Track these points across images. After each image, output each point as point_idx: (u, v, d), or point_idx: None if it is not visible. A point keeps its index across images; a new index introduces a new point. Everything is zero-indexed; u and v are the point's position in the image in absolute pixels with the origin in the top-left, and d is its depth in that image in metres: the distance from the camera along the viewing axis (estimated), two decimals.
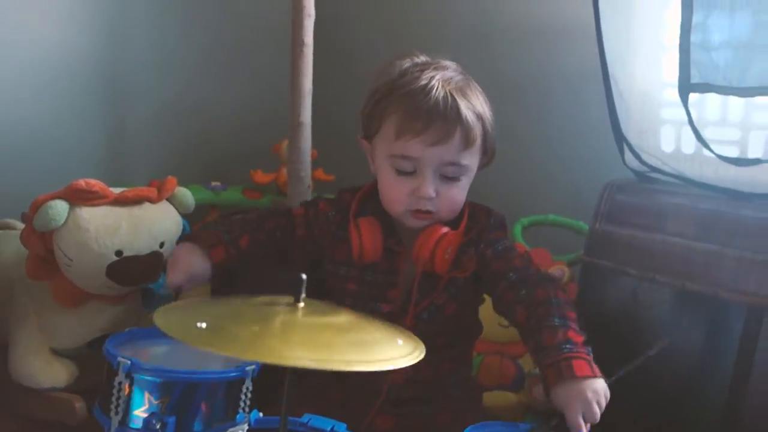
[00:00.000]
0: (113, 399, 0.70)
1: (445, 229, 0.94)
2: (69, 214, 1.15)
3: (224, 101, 1.91)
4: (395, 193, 0.93)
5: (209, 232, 0.97)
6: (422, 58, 0.96)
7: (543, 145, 1.65)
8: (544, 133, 1.65)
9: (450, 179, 0.92)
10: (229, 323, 0.53)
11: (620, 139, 1.17)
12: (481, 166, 1.00)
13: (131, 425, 0.70)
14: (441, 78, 0.91)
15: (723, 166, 1.06)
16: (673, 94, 1.08)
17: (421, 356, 0.57)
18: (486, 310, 1.07)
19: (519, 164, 1.67)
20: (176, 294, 0.95)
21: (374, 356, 0.52)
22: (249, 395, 0.74)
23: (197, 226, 1.58)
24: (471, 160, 0.94)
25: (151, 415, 0.69)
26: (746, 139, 1.07)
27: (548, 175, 1.64)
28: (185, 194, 1.32)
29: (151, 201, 1.24)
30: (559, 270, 1.45)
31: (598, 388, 0.77)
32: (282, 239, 1.00)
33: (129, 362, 0.69)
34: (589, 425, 0.76)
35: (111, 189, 1.20)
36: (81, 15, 1.61)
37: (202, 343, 0.45)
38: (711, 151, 1.07)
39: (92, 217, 1.16)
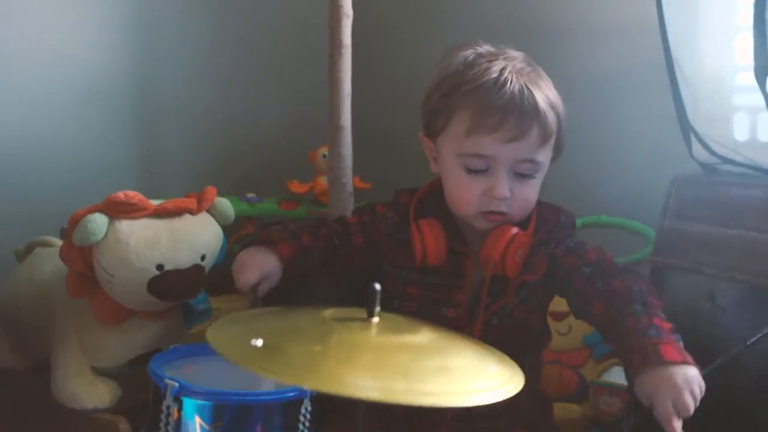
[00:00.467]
0: (161, 425, 0.65)
1: (515, 230, 0.88)
2: (108, 228, 1.11)
3: (257, 112, 1.89)
4: (466, 194, 0.88)
5: (269, 231, 0.93)
6: (486, 48, 0.90)
7: (594, 144, 1.57)
8: (594, 131, 1.57)
9: (524, 177, 0.87)
10: (287, 341, 0.46)
11: (687, 128, 1.09)
12: (551, 160, 0.94)
13: None
14: (512, 69, 0.85)
15: None
16: (747, 78, 1.00)
17: (520, 386, 0.49)
18: None
19: (570, 164, 1.60)
20: (254, 296, 0.88)
21: (460, 387, 0.44)
22: (308, 416, 0.68)
23: (233, 239, 1.54)
24: (545, 156, 0.88)
25: None
26: None
27: (600, 174, 1.56)
28: (225, 204, 1.27)
29: (191, 212, 1.20)
30: None
31: (691, 376, 0.69)
32: (340, 247, 0.95)
33: (177, 384, 0.64)
34: (681, 419, 0.67)
35: (150, 201, 1.16)
36: (113, 36, 1.61)
37: (255, 367, 0.39)
38: None
39: (132, 230, 1.12)
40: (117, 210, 1.12)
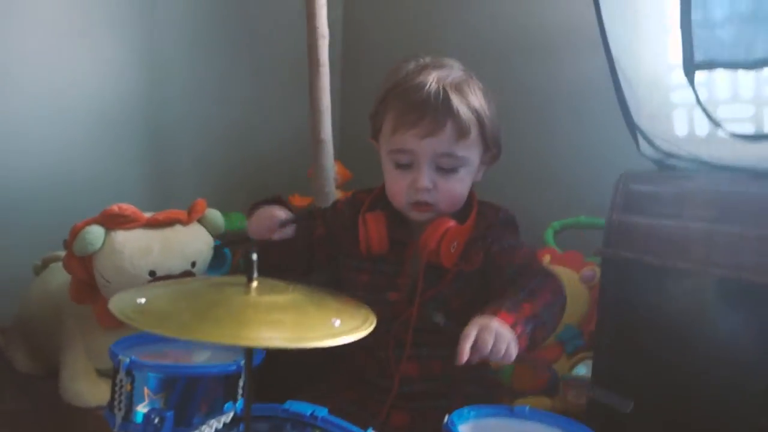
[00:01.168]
0: (116, 396, 0.74)
1: (451, 223, 0.95)
2: (105, 238, 1.23)
3: (260, 134, 2.00)
4: (396, 187, 0.97)
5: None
6: (427, 59, 0.98)
7: (566, 149, 1.63)
8: (567, 137, 1.63)
9: (447, 171, 0.95)
10: (170, 301, 0.55)
11: (633, 127, 1.15)
12: (488, 162, 1.01)
13: (134, 421, 0.74)
14: (437, 75, 0.94)
15: (739, 144, 1.02)
16: (681, 76, 1.06)
17: (362, 333, 0.57)
18: None
19: (545, 170, 1.66)
20: (292, 220, 0.98)
21: (289, 335, 0.53)
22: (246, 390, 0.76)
23: (238, 256, 1.64)
24: (468, 152, 0.95)
25: (151, 410, 0.72)
26: (761, 114, 1.03)
27: (576, 177, 1.61)
28: (215, 216, 1.39)
29: (182, 223, 1.31)
30: (590, 271, 1.42)
31: (507, 335, 0.77)
32: (303, 238, 1.03)
33: (128, 360, 0.74)
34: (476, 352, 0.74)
35: (144, 213, 1.28)
36: (123, 66, 1.76)
37: (129, 319, 0.48)
38: (724, 130, 1.03)
39: (126, 240, 1.24)
40: (112, 221, 1.24)
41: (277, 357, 1.38)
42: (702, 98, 1.06)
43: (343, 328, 0.55)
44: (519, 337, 0.78)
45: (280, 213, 0.98)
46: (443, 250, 0.93)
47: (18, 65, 1.61)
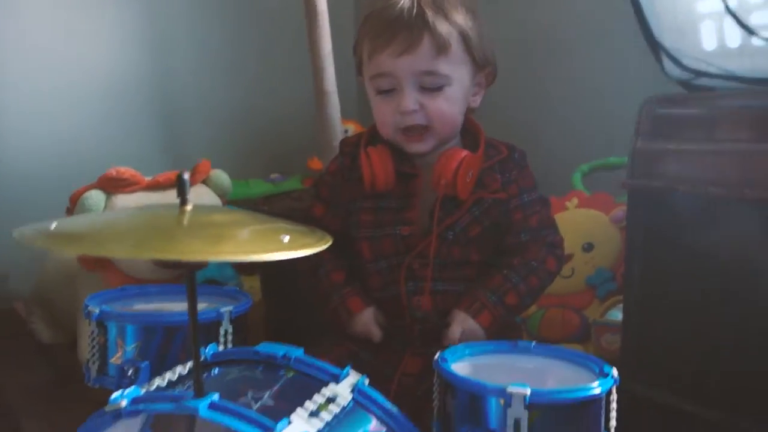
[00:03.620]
0: (91, 349, 0.71)
1: (464, 152, 0.90)
2: (106, 203, 1.20)
3: (276, 97, 1.95)
4: (382, 116, 0.90)
5: (333, 306, 0.96)
6: None
7: (591, 87, 1.53)
8: (590, 73, 1.53)
9: (432, 91, 0.88)
10: (89, 226, 0.50)
11: (655, 46, 1.04)
12: (484, 83, 0.94)
13: (109, 373, 0.70)
14: None
15: None
16: None
17: (314, 250, 0.51)
18: None
19: (570, 111, 1.57)
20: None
21: (229, 248, 0.47)
22: (230, 338, 0.72)
23: None
24: (452, 69, 0.88)
25: (125, 362, 0.68)
26: None
27: (603, 116, 1.51)
28: (220, 176, 1.34)
29: None
30: (621, 212, 1.33)
31: (481, 335, 0.87)
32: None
33: (98, 310, 0.70)
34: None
35: (143, 176, 1.25)
36: (129, 38, 1.75)
37: (56, 245, 0.43)
38: (760, 38, 0.92)
39: (127, 203, 1.21)
40: (112, 185, 1.21)
41: (284, 314, 1.36)
42: (731, 5, 0.95)
43: (292, 244, 0.48)
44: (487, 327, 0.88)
45: (376, 332, 0.92)
46: (459, 180, 0.88)
47: (26, 41, 1.61)
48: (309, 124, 1.90)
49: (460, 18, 0.87)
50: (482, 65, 0.91)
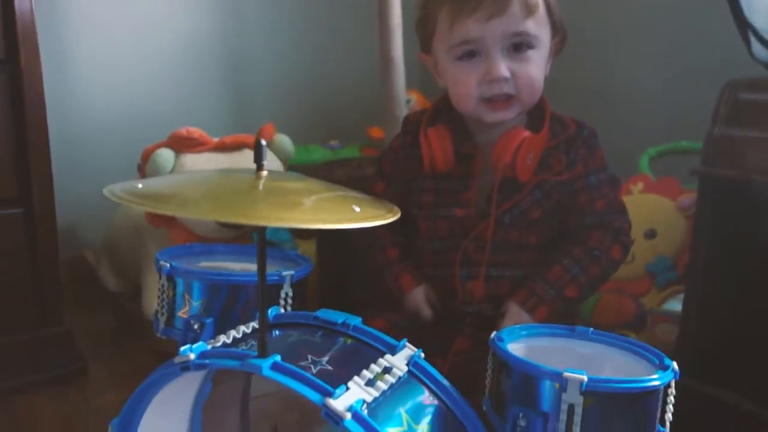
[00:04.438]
0: (160, 302, 0.74)
1: (526, 133, 0.87)
2: (175, 162, 1.24)
3: (338, 65, 1.96)
4: (464, 86, 0.86)
5: (387, 279, 0.97)
6: None
7: (665, 64, 1.47)
8: (666, 49, 1.46)
9: (520, 53, 0.85)
10: (174, 187, 0.52)
11: (744, 25, 0.98)
12: (556, 50, 0.91)
13: (176, 326, 0.73)
14: None
15: None
16: None
17: (385, 221, 0.51)
18: None
19: (645, 91, 1.51)
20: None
21: (308, 216, 0.48)
22: (290, 301, 0.74)
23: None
24: (539, 30, 0.85)
25: (191, 316, 0.71)
26: None
27: (677, 97, 1.45)
28: (284, 141, 1.36)
29: (250, 147, 1.30)
30: (689, 198, 1.29)
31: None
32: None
33: (168, 265, 0.73)
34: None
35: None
36: (206, 4, 1.78)
37: (144, 204, 0.45)
38: None
39: (195, 163, 1.24)
40: (181, 144, 1.24)
41: (338, 281, 1.38)
42: None
43: (363, 214, 0.49)
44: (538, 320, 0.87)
45: (426, 311, 0.93)
46: (519, 162, 0.85)
47: (100, 8, 1.65)
48: (370, 94, 1.90)
49: None
50: (558, 30, 0.88)
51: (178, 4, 1.75)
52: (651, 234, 1.29)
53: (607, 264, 0.91)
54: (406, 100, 1.68)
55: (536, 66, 0.85)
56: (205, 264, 0.79)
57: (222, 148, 1.27)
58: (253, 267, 0.77)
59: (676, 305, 1.19)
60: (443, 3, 0.86)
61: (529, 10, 0.83)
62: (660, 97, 1.48)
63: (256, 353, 0.55)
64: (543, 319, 0.86)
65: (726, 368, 0.96)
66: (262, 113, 1.91)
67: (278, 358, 0.54)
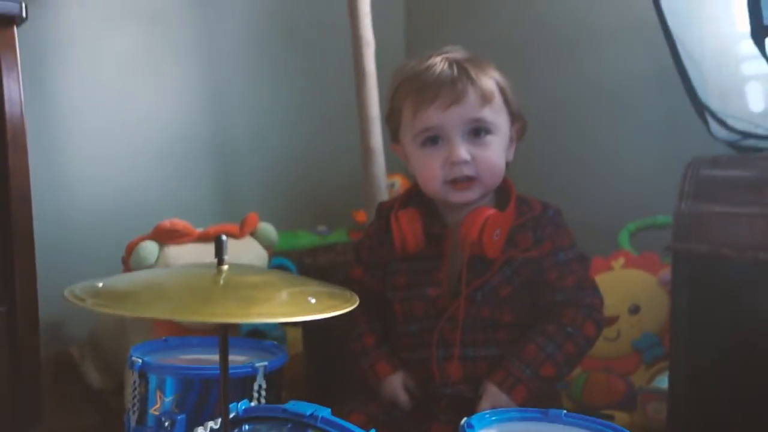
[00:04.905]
0: (132, 398, 0.73)
1: (491, 210, 0.90)
2: (159, 254, 1.25)
3: (323, 152, 2.00)
4: (429, 170, 0.91)
5: (362, 373, 0.97)
6: (427, 52, 0.95)
7: (637, 145, 1.52)
8: (636, 132, 1.52)
9: (480, 138, 0.90)
10: (132, 285, 0.53)
11: (701, 108, 1.03)
12: (516, 137, 0.96)
13: (148, 423, 0.72)
14: (445, 56, 0.92)
15: None
16: (750, 44, 0.94)
17: (339, 312, 0.52)
18: None
19: (616, 169, 1.55)
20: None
21: (257, 310, 0.49)
22: (263, 393, 0.73)
23: None
24: (496, 117, 0.90)
25: (162, 413, 0.70)
26: None
27: (650, 174, 1.49)
28: (268, 229, 1.38)
29: (234, 237, 1.32)
30: (668, 273, 1.29)
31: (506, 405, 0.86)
32: (374, 301, 0.97)
33: (140, 361, 0.72)
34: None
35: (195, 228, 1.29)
36: (187, 95, 1.83)
37: (102, 306, 0.46)
38: None
39: (179, 254, 1.26)
40: (165, 237, 1.26)
41: (324, 367, 1.36)
42: None
43: (319, 305, 0.50)
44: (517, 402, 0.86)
45: (403, 398, 0.92)
46: (486, 239, 0.88)
47: (89, 102, 1.70)
48: (356, 179, 1.94)
49: (496, 74, 0.92)
50: (516, 118, 0.93)
51: (166, 94, 1.80)
52: (635, 309, 1.30)
53: (581, 341, 0.91)
54: (390, 184, 1.72)
55: (495, 150, 0.90)
56: (183, 357, 0.79)
57: (206, 238, 1.28)
58: (231, 358, 0.76)
59: (665, 382, 1.17)
60: (407, 95, 0.92)
61: (485, 99, 0.88)
62: (636, 172, 1.51)
63: None
64: (522, 399, 0.86)
65: None
66: (249, 201, 1.93)
67: None
